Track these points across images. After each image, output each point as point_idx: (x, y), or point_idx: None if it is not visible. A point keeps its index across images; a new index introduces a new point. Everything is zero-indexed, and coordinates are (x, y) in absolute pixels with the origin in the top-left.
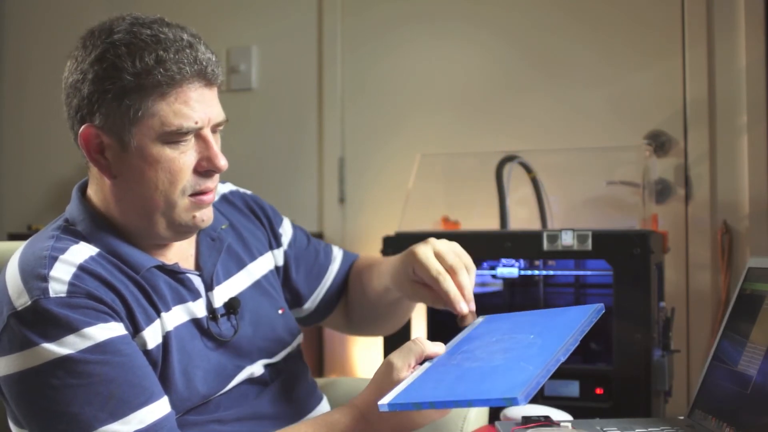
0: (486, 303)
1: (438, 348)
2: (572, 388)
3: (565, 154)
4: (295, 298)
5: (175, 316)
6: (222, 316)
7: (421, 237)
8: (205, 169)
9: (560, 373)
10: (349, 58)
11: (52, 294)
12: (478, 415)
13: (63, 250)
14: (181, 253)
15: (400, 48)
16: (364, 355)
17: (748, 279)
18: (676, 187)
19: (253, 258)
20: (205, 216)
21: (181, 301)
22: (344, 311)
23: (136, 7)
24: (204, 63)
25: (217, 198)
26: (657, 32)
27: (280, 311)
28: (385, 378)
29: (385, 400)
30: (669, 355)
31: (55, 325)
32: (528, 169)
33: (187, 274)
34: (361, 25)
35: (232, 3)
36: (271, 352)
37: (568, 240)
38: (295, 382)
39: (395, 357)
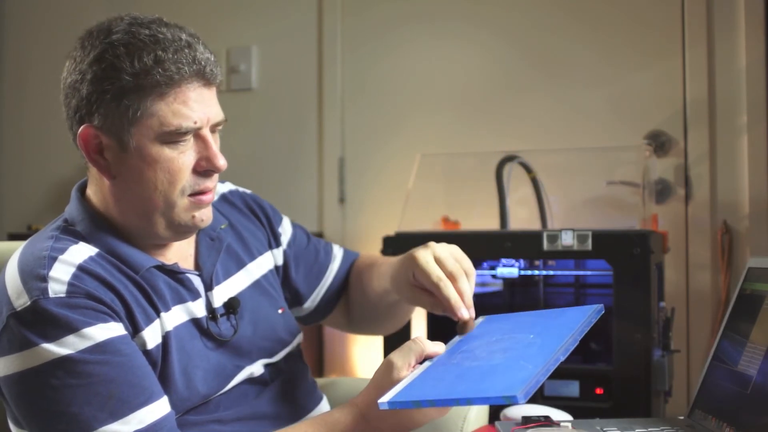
0: (486, 303)
1: (438, 347)
2: (572, 388)
3: (565, 154)
4: (294, 298)
5: (175, 316)
6: (222, 315)
7: (421, 237)
8: (204, 169)
9: (560, 373)
10: (349, 58)
11: (51, 294)
12: (478, 415)
13: (62, 251)
14: (181, 253)
15: (400, 48)
16: (364, 355)
17: (748, 279)
18: (676, 187)
19: (252, 257)
20: (205, 216)
21: (181, 301)
22: (345, 310)
23: (137, 7)
24: (202, 63)
25: (216, 198)
26: (657, 32)
27: (279, 311)
28: (385, 377)
29: (385, 398)
30: (669, 355)
31: (54, 325)
32: (528, 169)
33: (187, 274)
34: (361, 25)
35: (232, 3)
36: (271, 352)
37: (568, 240)
38: (295, 381)
39: (395, 356)
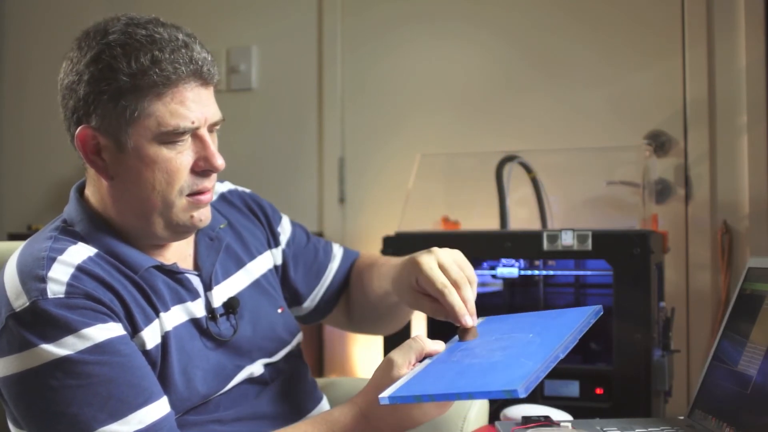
0: (486, 303)
1: (438, 346)
2: (572, 388)
3: (565, 154)
4: (294, 297)
5: (174, 316)
6: (221, 315)
7: (421, 237)
8: (202, 168)
9: (560, 373)
10: (349, 58)
11: (50, 295)
12: (478, 415)
13: (61, 251)
14: (180, 253)
15: (400, 48)
16: (364, 354)
17: (748, 279)
18: (676, 187)
19: (252, 257)
20: (203, 216)
21: (180, 301)
22: (345, 309)
23: (136, 7)
24: (200, 62)
25: (215, 197)
26: (657, 32)
27: (279, 310)
28: (385, 375)
29: (385, 393)
30: (669, 355)
31: (53, 326)
32: (528, 169)
33: (186, 274)
34: (361, 25)
35: (232, 3)
36: (271, 352)
37: (568, 240)
38: (294, 381)
39: (395, 354)
